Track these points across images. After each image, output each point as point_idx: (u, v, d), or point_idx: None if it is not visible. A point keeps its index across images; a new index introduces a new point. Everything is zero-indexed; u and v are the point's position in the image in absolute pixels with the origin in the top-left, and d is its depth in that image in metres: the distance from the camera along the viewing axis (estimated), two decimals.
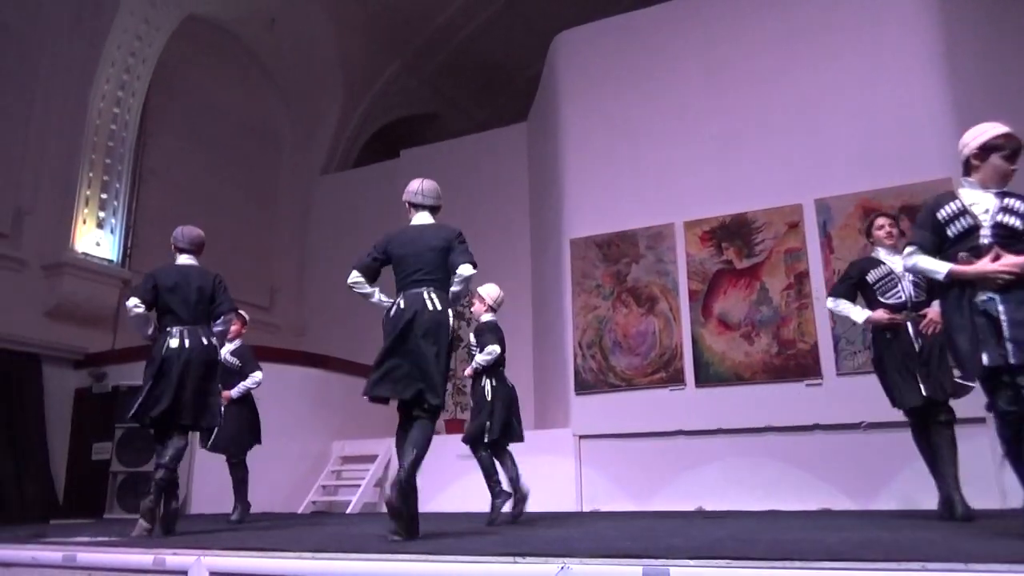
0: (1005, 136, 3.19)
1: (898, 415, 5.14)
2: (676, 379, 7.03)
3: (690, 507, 6.60)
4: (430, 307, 3.66)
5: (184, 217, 5.59)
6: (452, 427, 8.22)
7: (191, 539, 3.90)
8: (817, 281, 6.71)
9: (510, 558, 2.60)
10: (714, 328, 6.97)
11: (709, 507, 6.52)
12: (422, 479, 3.59)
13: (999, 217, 3.06)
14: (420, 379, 3.56)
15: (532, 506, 6.72)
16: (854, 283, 4.49)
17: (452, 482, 7.27)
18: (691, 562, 2.39)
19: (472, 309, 5.46)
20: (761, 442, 6.62)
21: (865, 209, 6.65)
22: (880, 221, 4.53)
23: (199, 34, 10.60)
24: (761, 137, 7.27)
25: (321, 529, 4.68)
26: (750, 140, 7.31)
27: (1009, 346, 2.87)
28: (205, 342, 4.41)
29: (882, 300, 4.37)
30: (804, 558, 2.33)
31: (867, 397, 6.18)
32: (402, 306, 3.68)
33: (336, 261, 10.87)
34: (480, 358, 5.08)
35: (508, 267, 9.38)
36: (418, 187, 4.03)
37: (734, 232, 7.10)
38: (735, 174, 7.29)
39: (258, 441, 5.99)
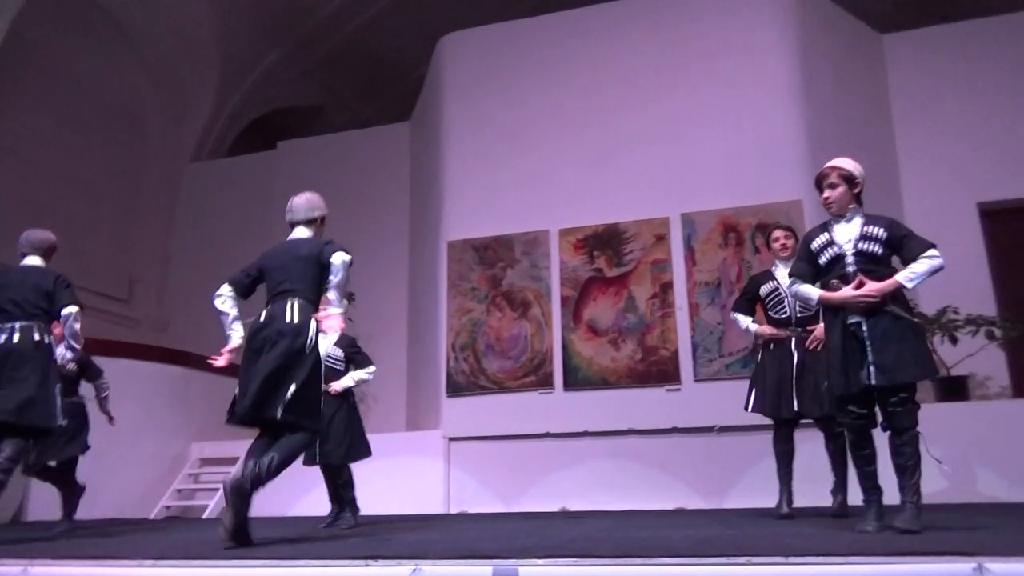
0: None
1: (748, 419, 5.49)
2: (546, 383, 7.18)
3: (555, 507, 6.76)
4: (287, 318, 3.48)
5: (41, 199, 5.19)
6: None
7: (23, 547, 3.62)
8: (680, 291, 7.05)
9: (362, 561, 2.58)
10: (583, 334, 7.17)
11: (573, 507, 6.70)
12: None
13: (860, 245, 3.32)
14: (263, 393, 3.37)
15: (399, 508, 6.72)
16: (750, 298, 4.69)
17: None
18: (540, 561, 2.46)
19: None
20: (623, 444, 6.87)
21: (725, 225, 7.06)
22: (776, 234, 4.69)
23: (60, 3, 9.83)
24: (635, 151, 7.55)
25: (168, 535, 4.44)
26: (625, 153, 7.58)
27: (871, 368, 3.15)
28: (37, 338, 4.14)
29: (770, 315, 4.62)
30: (645, 555, 2.45)
31: (721, 402, 6.60)
32: (262, 319, 3.54)
33: (204, 253, 10.41)
34: (362, 375, 5.02)
35: (385, 267, 9.29)
36: (289, 204, 3.93)
37: (606, 241, 7.34)
38: (609, 185, 7.54)
39: None
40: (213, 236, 10.59)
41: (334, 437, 4.75)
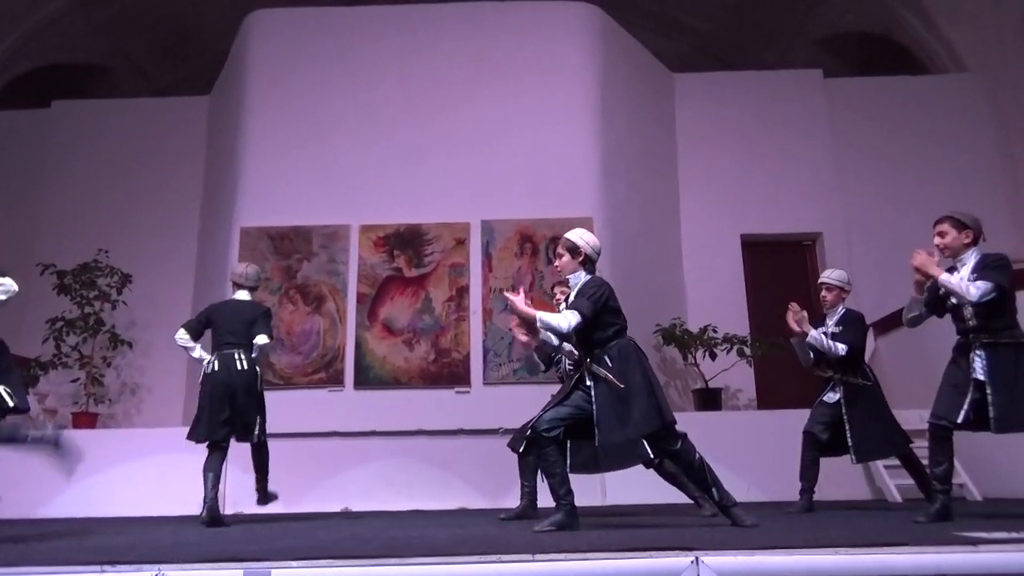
0: None
1: None
2: (336, 380, 7.05)
3: (338, 508, 6.65)
4: (238, 367, 4.88)
5: None
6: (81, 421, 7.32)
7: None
8: (475, 296, 7.24)
9: (98, 567, 2.39)
10: (378, 332, 7.13)
11: (356, 507, 6.63)
12: None
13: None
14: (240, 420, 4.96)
15: (165, 510, 6.26)
16: None
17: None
18: (294, 563, 2.41)
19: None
20: (411, 444, 6.91)
21: (523, 235, 7.36)
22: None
23: None
24: (442, 154, 7.65)
25: None
26: (432, 155, 7.65)
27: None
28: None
29: None
30: (402, 555, 2.49)
31: (507, 405, 6.83)
32: (216, 366, 4.88)
33: None
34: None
35: (170, 249, 8.65)
36: (243, 271, 5.18)
37: (407, 241, 7.36)
38: (414, 185, 7.57)
39: None
40: None
41: None
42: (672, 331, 7.41)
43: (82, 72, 12.02)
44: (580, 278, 3.76)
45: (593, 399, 3.54)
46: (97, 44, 11.92)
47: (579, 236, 3.80)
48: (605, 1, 8.52)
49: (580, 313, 3.52)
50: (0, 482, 6.11)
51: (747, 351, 7.41)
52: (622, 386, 3.48)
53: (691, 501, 4.76)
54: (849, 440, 4.88)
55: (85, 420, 7.33)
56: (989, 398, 3.67)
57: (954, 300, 3.82)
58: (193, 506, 5.32)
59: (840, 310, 5.08)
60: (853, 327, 4.96)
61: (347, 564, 2.42)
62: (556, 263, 3.83)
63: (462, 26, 8.11)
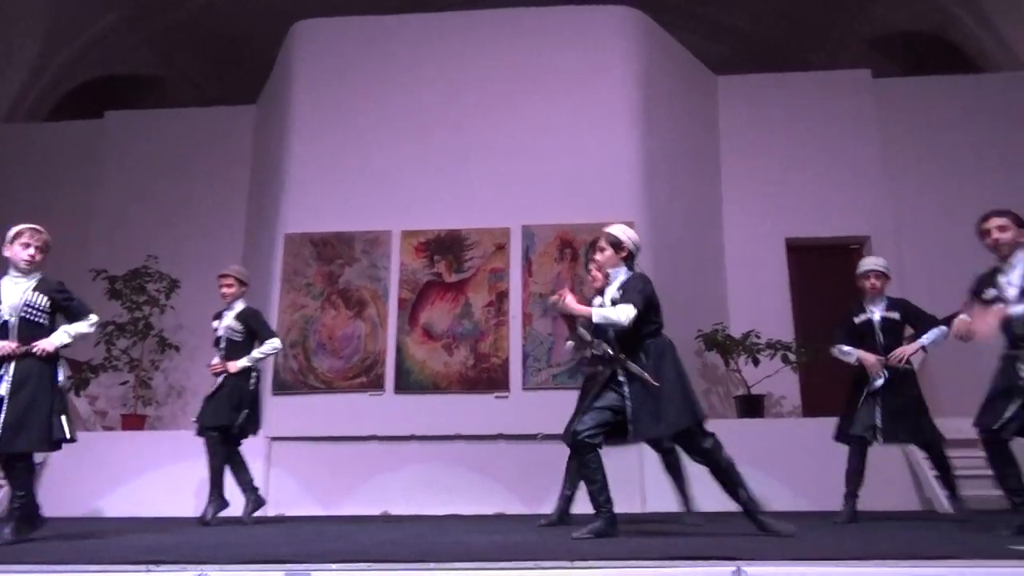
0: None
1: None
2: (376, 384, 7.10)
3: (377, 511, 6.69)
4: None
5: None
6: (130, 423, 7.51)
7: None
8: (515, 301, 7.21)
9: (143, 567, 2.43)
10: (418, 337, 7.17)
11: (395, 511, 6.66)
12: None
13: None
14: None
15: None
16: None
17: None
18: (333, 566, 2.43)
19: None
20: (450, 449, 6.92)
21: (562, 240, 7.33)
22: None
23: None
24: (482, 159, 7.67)
25: None
26: (472, 160, 7.68)
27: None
28: None
29: None
30: (440, 559, 2.49)
31: (546, 411, 6.79)
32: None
33: (7, 226, 9.38)
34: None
35: (217, 255, 8.77)
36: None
37: (447, 246, 7.38)
38: (455, 191, 7.60)
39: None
40: (23, 206, 9.57)
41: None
42: (714, 336, 7.29)
43: (134, 83, 12.39)
44: (619, 273, 3.79)
45: (627, 396, 3.53)
46: (148, 56, 12.28)
47: (622, 231, 3.85)
48: (647, 3, 8.45)
49: (635, 306, 3.53)
50: (53, 481, 6.31)
51: (791, 357, 7.26)
52: (656, 384, 3.47)
53: (681, 505, 4.89)
54: (879, 420, 4.79)
55: (134, 422, 7.51)
56: None
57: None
58: (236, 507, 5.41)
59: (884, 298, 5.06)
60: (913, 308, 4.98)
61: (386, 568, 2.43)
62: (597, 256, 3.84)
63: (501, 32, 8.13)
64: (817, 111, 8.77)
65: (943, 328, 4.75)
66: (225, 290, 5.56)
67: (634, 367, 3.54)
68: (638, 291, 3.60)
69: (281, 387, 7.15)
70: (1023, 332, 3.62)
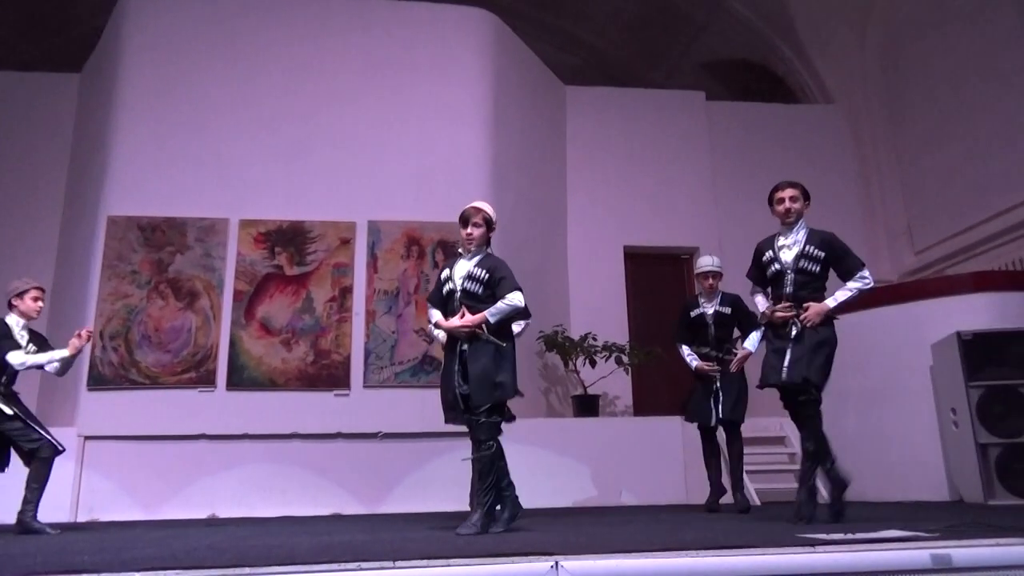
0: None
1: (412, 426, 5.68)
2: (207, 380, 6.74)
3: (204, 514, 6.36)
4: None
5: None
6: None
7: None
8: (359, 297, 7.09)
9: None
10: (255, 331, 6.87)
11: (224, 515, 6.36)
12: None
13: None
14: None
15: (7, 517, 5.76)
16: None
17: None
18: (136, 574, 2.28)
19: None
20: (286, 448, 6.69)
21: (409, 237, 7.29)
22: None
23: None
24: (329, 150, 7.46)
25: None
26: (318, 151, 7.46)
27: None
28: None
29: None
30: (255, 564, 2.40)
31: (388, 409, 6.76)
32: None
33: None
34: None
35: (29, 234, 8.03)
36: None
37: (289, 238, 7.13)
38: (299, 181, 7.35)
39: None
40: None
41: None
42: (554, 338, 7.53)
43: None
44: (482, 252, 3.87)
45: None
46: None
47: (492, 211, 3.92)
48: (502, 10, 8.58)
49: (519, 287, 3.74)
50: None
51: (625, 359, 7.63)
52: (504, 344, 3.69)
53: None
54: (721, 410, 5.24)
55: None
56: None
57: None
58: (50, 513, 4.94)
59: (719, 293, 5.48)
60: (743, 306, 5.40)
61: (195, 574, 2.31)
62: (471, 231, 3.81)
63: (353, 21, 7.94)
64: (655, 127, 9.29)
65: (763, 328, 5.17)
66: None
67: (486, 334, 3.70)
68: (511, 273, 3.78)
69: (97, 382, 6.61)
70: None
